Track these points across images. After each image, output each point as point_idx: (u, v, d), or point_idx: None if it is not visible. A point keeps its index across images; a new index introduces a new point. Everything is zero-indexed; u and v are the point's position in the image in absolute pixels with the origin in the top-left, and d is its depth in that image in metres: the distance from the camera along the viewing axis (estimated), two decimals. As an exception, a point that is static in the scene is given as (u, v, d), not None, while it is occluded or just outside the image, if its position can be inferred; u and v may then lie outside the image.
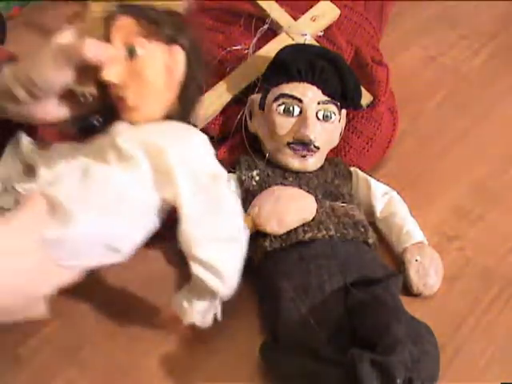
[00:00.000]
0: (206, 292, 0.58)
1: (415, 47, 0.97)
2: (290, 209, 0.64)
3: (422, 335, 0.55)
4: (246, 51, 0.79)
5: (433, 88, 0.90)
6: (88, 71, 0.59)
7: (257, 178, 0.70)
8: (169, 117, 0.60)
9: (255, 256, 0.64)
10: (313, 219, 0.65)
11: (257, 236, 0.64)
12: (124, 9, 0.60)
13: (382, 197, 0.72)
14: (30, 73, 0.59)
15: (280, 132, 0.69)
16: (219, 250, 0.57)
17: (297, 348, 0.57)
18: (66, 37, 0.60)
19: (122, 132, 0.58)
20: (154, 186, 0.57)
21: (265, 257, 0.64)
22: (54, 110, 0.62)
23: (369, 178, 0.73)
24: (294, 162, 0.70)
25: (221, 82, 0.76)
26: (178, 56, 0.59)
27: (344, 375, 0.51)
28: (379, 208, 0.71)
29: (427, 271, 0.66)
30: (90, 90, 0.61)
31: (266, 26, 0.80)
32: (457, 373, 0.60)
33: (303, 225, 0.64)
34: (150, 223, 0.59)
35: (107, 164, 0.57)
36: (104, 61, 0.58)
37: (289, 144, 0.69)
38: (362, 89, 0.76)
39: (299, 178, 0.70)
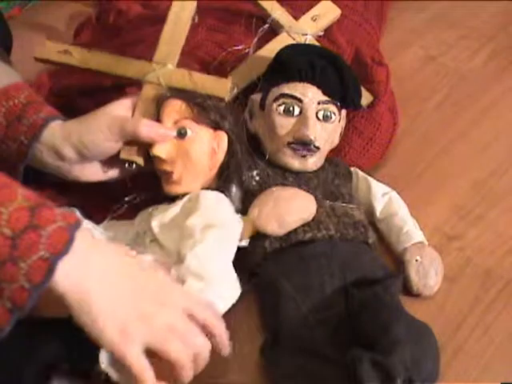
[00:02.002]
0: None
1: (415, 47, 0.97)
2: (290, 209, 0.64)
3: (422, 335, 0.55)
4: (247, 51, 0.79)
5: (433, 88, 0.90)
6: (138, 143, 0.65)
7: (257, 178, 0.70)
8: (206, 188, 0.66)
9: (255, 256, 0.64)
10: (313, 219, 0.65)
11: (257, 236, 0.64)
12: (175, 92, 0.67)
13: (382, 197, 0.72)
14: (83, 137, 0.64)
15: (280, 132, 0.69)
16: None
17: (297, 348, 0.57)
18: (121, 109, 0.65)
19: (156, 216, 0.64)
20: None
21: (265, 257, 0.64)
22: (97, 172, 0.68)
23: (369, 178, 0.73)
24: (294, 162, 0.70)
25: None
26: (222, 141, 0.66)
27: (344, 375, 0.51)
28: (379, 208, 0.71)
29: (427, 271, 0.66)
30: (137, 160, 0.66)
31: (266, 26, 0.80)
32: (457, 373, 0.60)
33: (303, 225, 0.64)
34: None
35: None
36: (156, 139, 0.64)
37: (289, 144, 0.69)
38: (362, 89, 0.76)
39: (299, 178, 0.70)
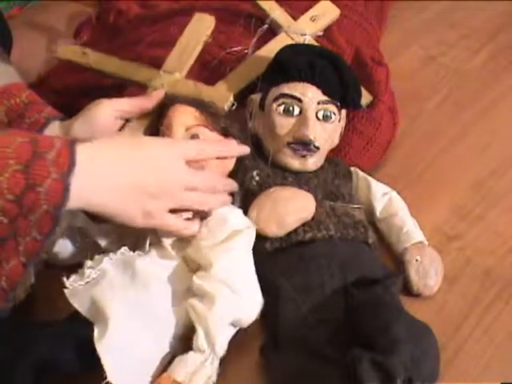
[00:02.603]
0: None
1: (415, 47, 0.97)
2: (289, 209, 0.64)
3: (422, 335, 0.55)
4: (246, 51, 0.79)
5: (433, 88, 0.90)
6: None
7: (257, 178, 0.69)
8: None
9: (256, 256, 0.64)
10: (313, 219, 0.65)
11: (257, 236, 0.64)
12: (184, 98, 0.68)
13: (382, 197, 0.71)
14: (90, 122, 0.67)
15: (280, 132, 0.69)
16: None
17: (297, 348, 0.57)
18: (109, 109, 0.67)
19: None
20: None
21: (265, 257, 0.64)
22: None
23: (369, 178, 0.73)
24: (294, 162, 0.70)
25: (220, 82, 0.76)
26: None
27: (344, 375, 0.51)
28: (379, 208, 0.71)
29: (427, 271, 0.66)
30: None
31: (265, 26, 0.80)
32: (457, 373, 0.60)
33: (303, 225, 0.64)
34: None
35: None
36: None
37: (289, 144, 0.69)
38: (362, 89, 0.76)
39: (299, 178, 0.70)
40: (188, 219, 0.62)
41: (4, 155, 0.50)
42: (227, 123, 0.68)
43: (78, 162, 0.53)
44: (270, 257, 0.64)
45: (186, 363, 0.56)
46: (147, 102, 0.70)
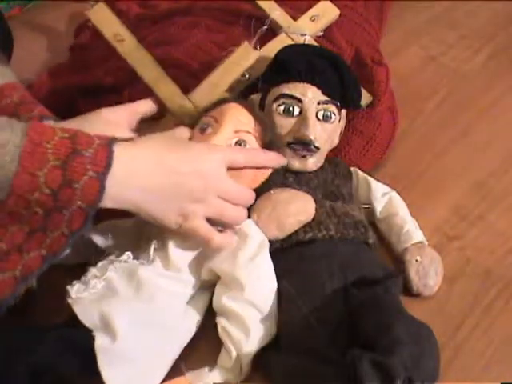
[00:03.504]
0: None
1: (415, 47, 0.97)
2: (289, 212, 0.64)
3: (423, 335, 0.55)
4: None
5: (433, 88, 0.90)
6: None
7: (257, 179, 0.69)
8: None
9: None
10: (313, 219, 0.65)
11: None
12: (240, 99, 0.68)
13: (382, 197, 0.71)
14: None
15: (280, 132, 0.69)
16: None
17: (297, 347, 0.57)
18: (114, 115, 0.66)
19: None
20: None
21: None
22: None
23: (369, 178, 0.73)
24: (294, 162, 0.70)
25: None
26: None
27: (344, 375, 0.51)
28: (379, 208, 0.71)
29: (427, 272, 0.66)
30: None
31: (265, 27, 0.80)
32: (457, 373, 0.60)
33: (303, 225, 0.64)
34: None
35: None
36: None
37: (289, 144, 0.69)
38: (362, 89, 0.76)
39: (299, 178, 0.70)
40: (220, 231, 0.61)
41: (44, 150, 0.51)
42: (273, 137, 0.67)
43: (116, 161, 0.54)
44: (271, 257, 0.63)
45: (208, 377, 0.57)
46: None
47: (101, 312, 0.56)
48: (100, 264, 0.60)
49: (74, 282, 0.59)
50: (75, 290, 0.58)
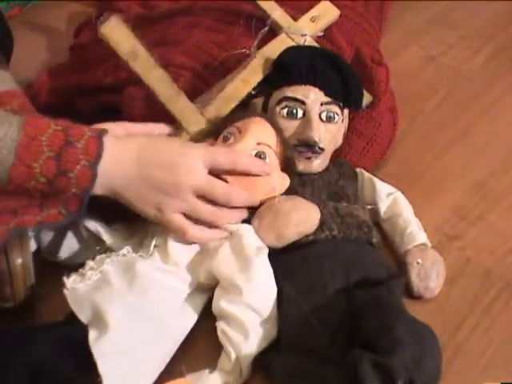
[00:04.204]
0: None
1: (415, 47, 0.97)
2: (289, 223, 0.63)
3: (424, 336, 0.55)
4: (247, 52, 0.79)
5: (433, 88, 0.91)
6: None
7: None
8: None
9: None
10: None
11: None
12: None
13: (387, 197, 0.71)
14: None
15: (284, 135, 0.69)
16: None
17: (298, 348, 0.57)
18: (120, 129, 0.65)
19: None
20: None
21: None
22: None
23: (374, 178, 0.73)
24: (299, 164, 0.70)
25: (227, 87, 0.74)
26: (284, 185, 0.66)
27: (345, 376, 0.51)
28: (383, 208, 0.71)
29: (428, 274, 0.66)
30: None
31: (266, 28, 0.79)
32: (457, 373, 0.60)
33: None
34: None
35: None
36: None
37: (293, 146, 0.69)
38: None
39: (304, 180, 0.69)
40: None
41: (39, 143, 0.55)
42: (292, 156, 0.68)
43: (105, 151, 0.57)
44: (272, 258, 0.63)
45: (208, 379, 0.57)
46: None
47: (93, 303, 0.56)
48: (98, 257, 0.61)
49: (71, 273, 0.60)
50: (71, 281, 0.59)
